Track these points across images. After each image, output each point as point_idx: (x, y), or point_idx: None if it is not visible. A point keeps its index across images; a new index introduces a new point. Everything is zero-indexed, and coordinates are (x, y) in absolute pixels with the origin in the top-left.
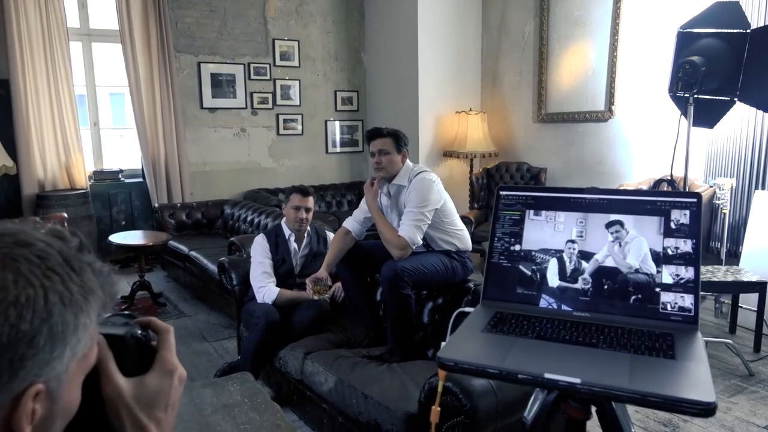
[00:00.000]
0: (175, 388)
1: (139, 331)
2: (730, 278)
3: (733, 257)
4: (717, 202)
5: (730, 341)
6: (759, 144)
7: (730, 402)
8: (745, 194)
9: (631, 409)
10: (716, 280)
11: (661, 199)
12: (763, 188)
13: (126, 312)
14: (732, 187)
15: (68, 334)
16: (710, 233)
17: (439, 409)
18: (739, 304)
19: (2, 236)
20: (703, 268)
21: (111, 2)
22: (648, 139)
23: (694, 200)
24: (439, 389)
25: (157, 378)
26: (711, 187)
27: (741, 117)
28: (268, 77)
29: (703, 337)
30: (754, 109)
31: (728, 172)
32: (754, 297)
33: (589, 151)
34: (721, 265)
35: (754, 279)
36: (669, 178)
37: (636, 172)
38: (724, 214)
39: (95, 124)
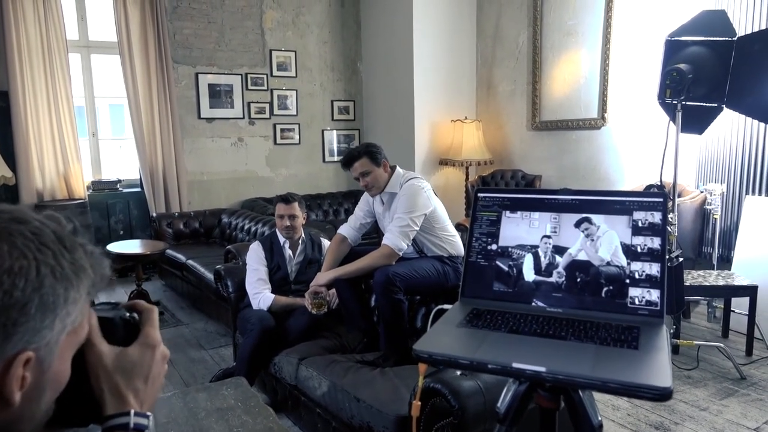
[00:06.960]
0: (157, 362)
1: (127, 314)
2: (721, 282)
3: (725, 262)
4: (708, 207)
5: (721, 345)
6: (749, 150)
7: (721, 405)
8: (736, 200)
9: (623, 412)
10: (708, 284)
11: (629, 199)
12: (753, 193)
13: (112, 302)
14: (722, 192)
15: (58, 305)
16: (702, 238)
17: (419, 403)
18: (732, 309)
19: (1, 213)
20: (695, 273)
21: (110, 15)
22: (640, 146)
23: (660, 200)
24: (420, 383)
25: (138, 350)
26: (702, 192)
27: (731, 124)
28: (265, 87)
29: (668, 330)
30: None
31: (719, 178)
32: (746, 301)
33: (583, 158)
34: (713, 269)
35: (744, 283)
36: (659, 183)
37: (629, 179)
38: (715, 219)
39: (94, 134)
